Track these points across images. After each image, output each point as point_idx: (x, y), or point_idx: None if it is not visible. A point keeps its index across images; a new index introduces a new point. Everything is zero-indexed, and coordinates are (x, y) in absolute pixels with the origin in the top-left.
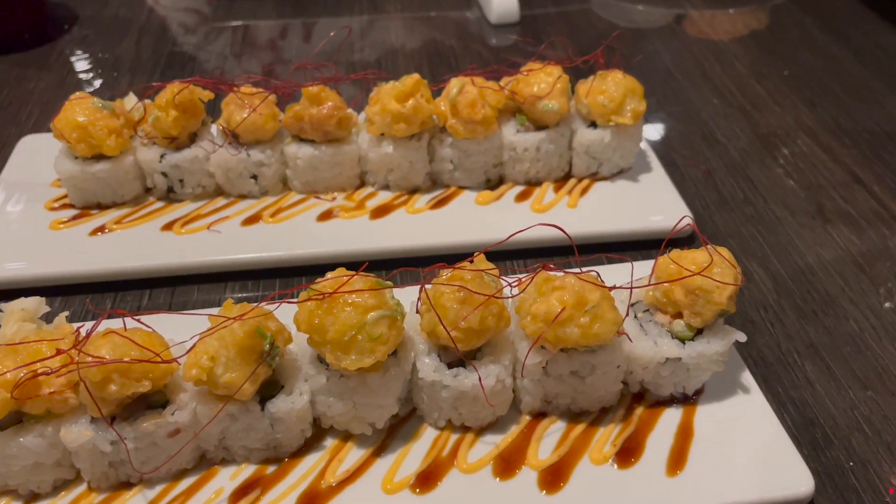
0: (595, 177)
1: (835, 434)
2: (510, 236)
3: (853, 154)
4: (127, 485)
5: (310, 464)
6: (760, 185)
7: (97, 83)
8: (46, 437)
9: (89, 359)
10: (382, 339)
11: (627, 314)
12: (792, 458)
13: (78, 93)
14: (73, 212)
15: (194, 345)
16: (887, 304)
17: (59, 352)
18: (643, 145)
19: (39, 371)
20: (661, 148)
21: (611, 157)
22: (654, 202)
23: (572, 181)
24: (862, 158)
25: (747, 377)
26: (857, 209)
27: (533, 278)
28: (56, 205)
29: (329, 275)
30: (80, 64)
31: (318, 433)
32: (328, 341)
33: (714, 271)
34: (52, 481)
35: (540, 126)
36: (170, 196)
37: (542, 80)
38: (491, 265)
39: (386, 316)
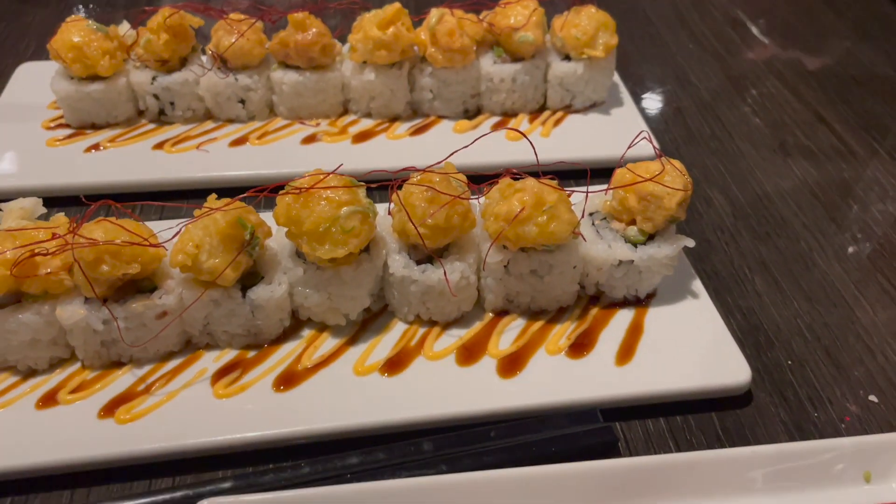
0: (569, 109)
1: (777, 338)
2: (475, 140)
3: (819, 95)
4: (118, 364)
5: (287, 350)
6: (727, 123)
7: (93, 17)
8: (43, 315)
9: (83, 241)
10: (355, 233)
11: (583, 217)
12: (732, 351)
13: (74, 15)
14: (68, 131)
15: (179, 232)
16: (836, 228)
17: (55, 236)
18: (618, 83)
19: (36, 252)
20: (634, 87)
21: (583, 89)
22: (623, 133)
23: (546, 113)
24: (827, 99)
25: (698, 285)
26: (818, 145)
27: (497, 183)
28: (52, 124)
29: (306, 174)
30: None
31: (295, 324)
32: (304, 233)
33: (665, 179)
34: (49, 358)
35: (516, 58)
36: (161, 118)
37: (518, 13)
38: (458, 172)
39: (358, 211)
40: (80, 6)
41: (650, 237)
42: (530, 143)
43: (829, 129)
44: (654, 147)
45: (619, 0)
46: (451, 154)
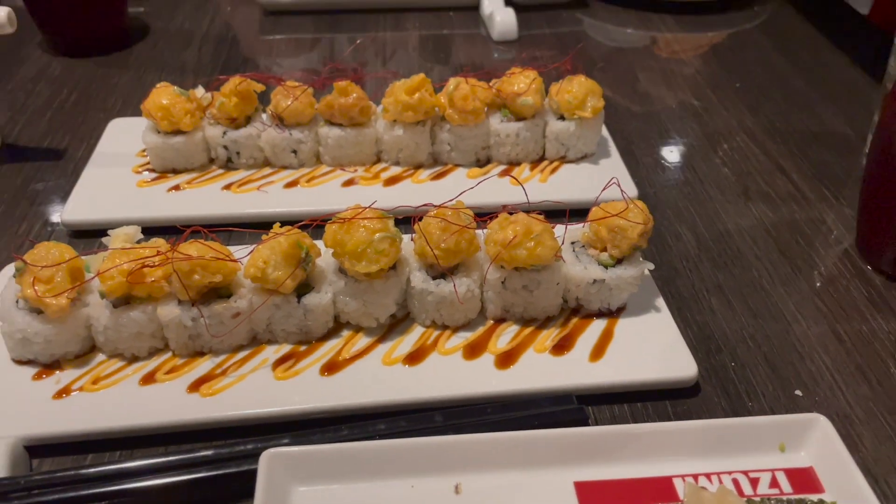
0: (563, 159)
1: (724, 345)
2: (479, 182)
3: (781, 149)
4: (200, 353)
5: (331, 345)
6: (700, 172)
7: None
8: (147, 313)
9: (181, 256)
10: (385, 253)
11: (564, 244)
12: (683, 352)
13: (162, 82)
14: (154, 175)
15: (252, 251)
16: (784, 259)
17: (158, 253)
18: (607, 137)
19: (145, 264)
20: (621, 140)
21: (576, 143)
22: (606, 180)
23: (545, 162)
24: (788, 153)
25: (660, 302)
26: (776, 191)
27: (496, 217)
28: (141, 169)
29: (348, 208)
30: (153, 65)
31: (337, 326)
32: (346, 252)
33: (629, 215)
34: (148, 348)
35: (519, 118)
36: (228, 165)
37: (521, 81)
38: (467, 209)
39: (388, 237)
40: (158, 72)
41: (619, 261)
42: (523, 188)
43: (786, 178)
44: (622, 190)
45: (615, 65)
46: (461, 194)
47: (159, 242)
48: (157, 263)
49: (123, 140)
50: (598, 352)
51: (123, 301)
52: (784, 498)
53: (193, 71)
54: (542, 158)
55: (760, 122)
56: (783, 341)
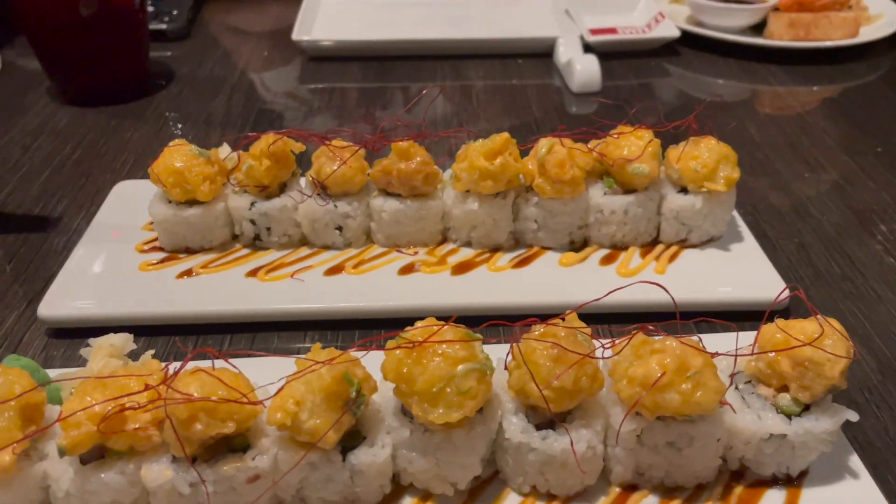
0: (684, 244)
1: None
2: (609, 293)
3: None
4: None
5: None
6: (858, 262)
7: (189, 136)
8: (127, 474)
9: (177, 395)
10: (471, 394)
11: (730, 384)
12: None
13: (177, 140)
14: (162, 255)
15: (281, 388)
16: None
17: (147, 387)
18: (734, 215)
19: (127, 405)
20: (750, 218)
21: (701, 224)
22: (747, 272)
23: (660, 247)
24: None
25: (855, 461)
26: None
27: (630, 339)
28: (146, 247)
29: (419, 324)
30: (174, 117)
31: (396, 490)
32: (416, 392)
33: (825, 343)
34: None
35: (628, 189)
36: (256, 244)
37: (632, 144)
38: (583, 324)
39: (476, 369)
40: (178, 125)
41: (805, 407)
42: (670, 295)
43: None
44: (809, 305)
45: (724, 125)
46: (581, 306)
47: (152, 367)
48: (143, 403)
49: (129, 209)
50: None
51: (96, 454)
52: None
53: (221, 125)
54: (655, 241)
55: None
56: None
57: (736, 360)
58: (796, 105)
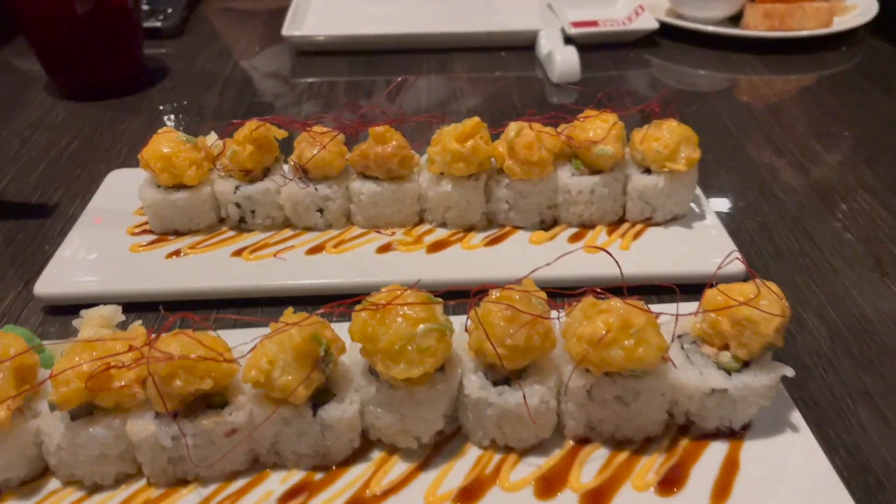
0: (648, 222)
1: (888, 479)
2: (557, 258)
3: None
4: (183, 482)
5: (356, 473)
6: (817, 238)
7: (181, 127)
8: (113, 429)
9: (158, 355)
10: (431, 352)
11: (673, 341)
12: (839, 494)
13: (165, 127)
14: (152, 237)
15: (254, 347)
16: None
17: (131, 348)
18: (699, 195)
19: (112, 364)
20: (716, 199)
21: (664, 202)
22: (707, 248)
23: (626, 225)
24: None
25: (797, 417)
26: None
27: (580, 302)
28: (137, 230)
29: (384, 289)
30: (167, 109)
31: (365, 445)
32: (379, 350)
33: (761, 303)
34: (115, 474)
35: (595, 170)
36: (241, 226)
37: (597, 126)
38: (538, 290)
39: (435, 329)
40: (171, 116)
41: (745, 364)
42: (616, 261)
43: None
44: (748, 269)
45: (699, 113)
46: (533, 271)
47: (137, 332)
48: (128, 363)
49: (122, 195)
50: (721, 491)
51: (85, 411)
52: None
53: (213, 117)
54: (621, 220)
55: (881, 177)
56: None
57: (677, 318)
58: (770, 93)
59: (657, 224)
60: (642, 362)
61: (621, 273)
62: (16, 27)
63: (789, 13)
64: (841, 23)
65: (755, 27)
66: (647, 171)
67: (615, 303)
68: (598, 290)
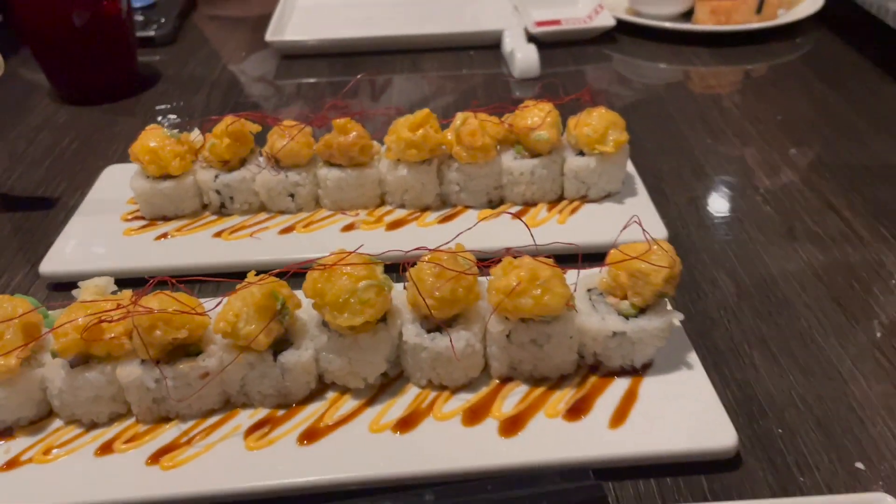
0: (584, 199)
1: (770, 408)
2: (474, 224)
3: (831, 185)
4: (166, 419)
5: (312, 409)
6: (739, 211)
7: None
8: (106, 374)
9: (141, 309)
10: (370, 303)
11: (576, 291)
12: (720, 418)
13: (153, 124)
14: (143, 222)
15: (222, 302)
16: (838, 307)
17: (118, 306)
18: (633, 175)
19: (103, 319)
20: (650, 178)
21: (597, 181)
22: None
23: (564, 202)
24: (838, 188)
25: (693, 357)
26: (826, 231)
27: (499, 262)
28: (130, 217)
29: (331, 253)
30: (160, 111)
31: (321, 388)
32: (327, 303)
33: (652, 258)
34: (108, 413)
35: (535, 154)
36: (222, 210)
37: (535, 115)
38: (467, 253)
39: (374, 285)
40: (163, 117)
41: (642, 311)
42: (528, 228)
43: (838, 216)
44: (643, 230)
45: (647, 101)
46: (458, 235)
47: (125, 295)
48: (116, 318)
49: (116, 187)
50: (619, 417)
51: (82, 361)
52: None
53: (200, 116)
54: (561, 198)
55: (806, 156)
56: (840, 403)
57: (579, 272)
58: (716, 84)
59: (593, 201)
60: (548, 308)
61: (533, 240)
62: (21, 40)
63: (735, 9)
64: (791, 14)
65: (704, 23)
66: (581, 153)
67: (526, 260)
68: (515, 254)
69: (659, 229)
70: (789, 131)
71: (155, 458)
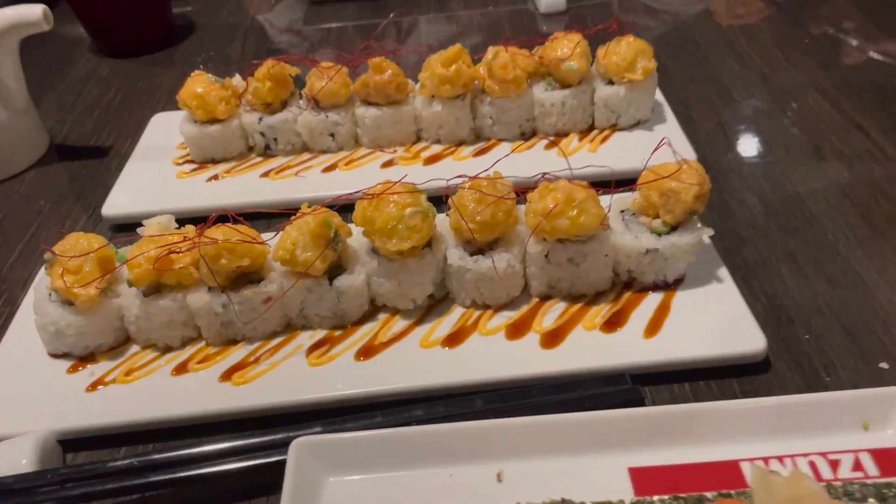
0: (615, 128)
1: (797, 316)
2: (509, 153)
3: (857, 105)
4: (234, 341)
5: (366, 329)
6: (766, 134)
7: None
8: (177, 301)
9: (207, 241)
10: (417, 229)
11: (610, 212)
12: (749, 324)
13: (197, 70)
14: (193, 166)
15: (279, 232)
16: (863, 221)
17: (185, 239)
18: (662, 102)
19: (172, 250)
20: (678, 105)
21: (627, 109)
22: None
23: (595, 132)
24: (864, 108)
25: (723, 272)
26: (852, 149)
27: (535, 188)
28: (181, 161)
29: (378, 184)
30: (197, 61)
31: (373, 310)
32: (376, 230)
33: (682, 177)
34: (181, 337)
35: (565, 85)
36: (266, 152)
37: (564, 46)
38: (505, 179)
39: (420, 211)
40: (202, 65)
41: (674, 228)
42: (565, 156)
43: (864, 135)
44: (673, 151)
45: (673, 31)
46: (496, 162)
47: (189, 229)
48: (184, 249)
49: (165, 134)
50: (653, 327)
51: (154, 290)
52: (870, 482)
53: (238, 63)
54: (591, 128)
55: (833, 77)
56: (864, 309)
57: (613, 194)
58: (745, 13)
59: (623, 129)
60: (584, 228)
61: (569, 166)
62: None
63: None
64: None
65: None
66: (611, 82)
67: (562, 183)
68: (549, 175)
69: (689, 153)
70: (817, 54)
71: (226, 375)
